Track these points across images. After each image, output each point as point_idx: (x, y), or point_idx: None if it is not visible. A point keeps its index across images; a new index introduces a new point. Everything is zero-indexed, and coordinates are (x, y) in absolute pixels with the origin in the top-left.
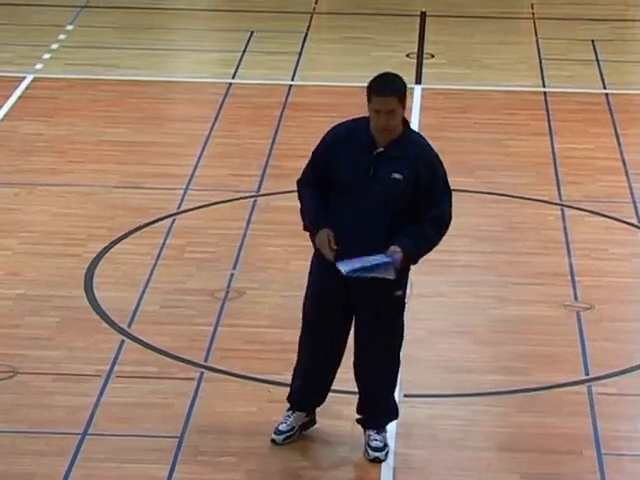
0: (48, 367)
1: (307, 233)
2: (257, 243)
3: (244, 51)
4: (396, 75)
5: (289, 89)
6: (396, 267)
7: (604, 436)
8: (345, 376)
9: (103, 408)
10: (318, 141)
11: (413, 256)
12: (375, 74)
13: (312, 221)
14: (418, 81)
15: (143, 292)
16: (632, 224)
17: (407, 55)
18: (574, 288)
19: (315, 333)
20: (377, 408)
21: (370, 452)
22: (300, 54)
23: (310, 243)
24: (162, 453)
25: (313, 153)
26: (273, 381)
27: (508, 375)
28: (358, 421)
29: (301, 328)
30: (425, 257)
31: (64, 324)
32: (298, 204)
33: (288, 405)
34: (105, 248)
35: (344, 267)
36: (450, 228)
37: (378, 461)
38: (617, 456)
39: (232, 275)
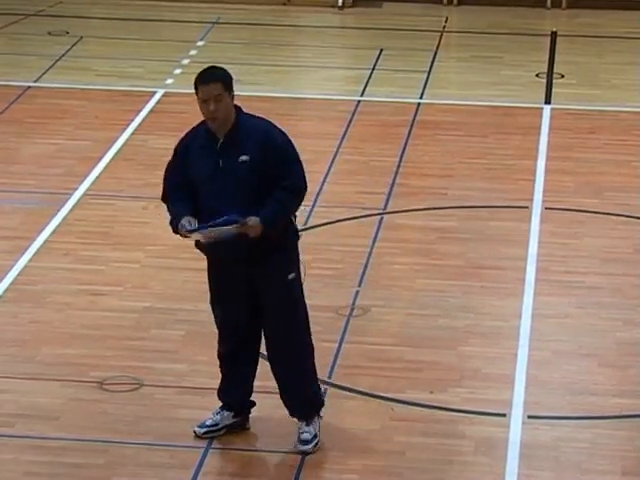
0: (173, 380)
1: (431, 252)
2: (382, 261)
3: (373, 68)
4: (219, 67)
5: (417, 107)
6: (241, 221)
7: None
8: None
9: None
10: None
11: (268, 220)
12: (504, 93)
13: (175, 216)
14: (547, 101)
15: None
16: None
17: (537, 75)
18: None
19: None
20: (298, 399)
21: (298, 445)
22: (429, 72)
23: (435, 262)
24: (284, 468)
25: (167, 169)
26: (396, 399)
27: (634, 399)
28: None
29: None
30: (551, 278)
31: (189, 337)
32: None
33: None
34: None
35: (191, 227)
36: (577, 249)
37: (304, 454)
38: None
39: (357, 292)
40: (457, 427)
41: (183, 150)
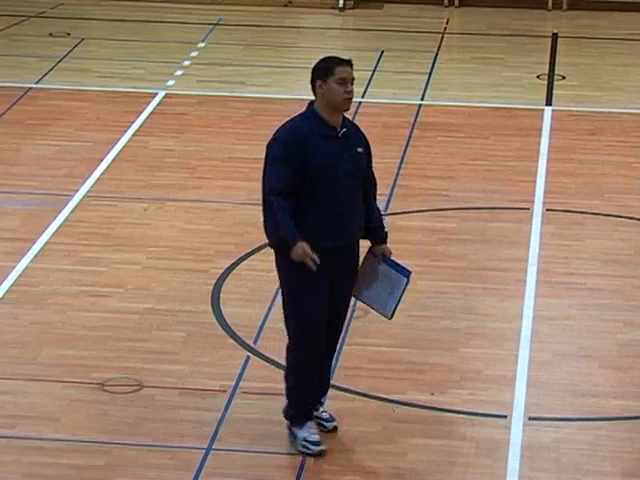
0: (174, 381)
1: (432, 253)
2: None
3: (374, 70)
4: None
5: (418, 109)
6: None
7: None
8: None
9: (228, 424)
10: (275, 150)
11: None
12: (505, 94)
13: (293, 234)
14: (549, 102)
15: (270, 309)
16: None
17: (538, 76)
18: None
19: (317, 334)
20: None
21: (330, 423)
22: (430, 74)
23: (436, 263)
24: (286, 470)
25: (280, 160)
26: (397, 400)
27: (635, 400)
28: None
29: (295, 345)
30: (552, 279)
31: (190, 339)
32: (262, 216)
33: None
34: (232, 264)
35: (388, 311)
36: (578, 251)
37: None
38: None
39: None
40: (458, 428)
41: (300, 140)
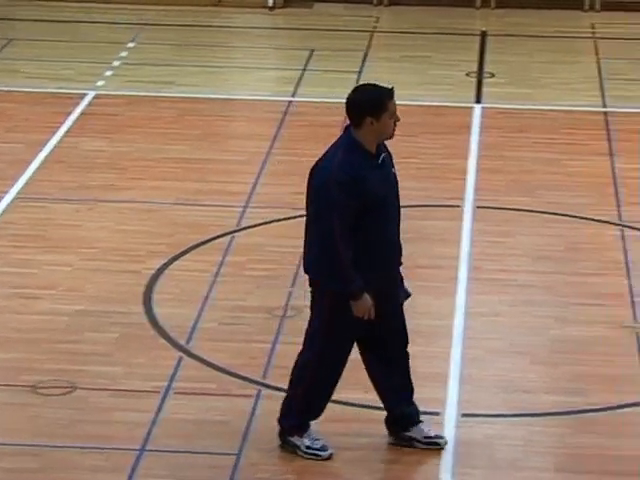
0: (107, 383)
1: None
2: None
3: (304, 69)
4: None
5: None
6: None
7: None
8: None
9: (161, 424)
10: (333, 193)
11: None
12: (435, 92)
13: (360, 288)
14: (478, 100)
15: (202, 309)
16: None
17: (467, 74)
18: (634, 309)
19: (343, 358)
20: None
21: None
22: (360, 72)
23: None
24: (220, 470)
25: (340, 203)
26: (331, 399)
27: (567, 396)
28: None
29: (314, 362)
30: (483, 276)
31: (123, 340)
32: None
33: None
34: (164, 265)
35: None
36: (509, 248)
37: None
38: None
39: (291, 292)
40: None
41: (356, 178)
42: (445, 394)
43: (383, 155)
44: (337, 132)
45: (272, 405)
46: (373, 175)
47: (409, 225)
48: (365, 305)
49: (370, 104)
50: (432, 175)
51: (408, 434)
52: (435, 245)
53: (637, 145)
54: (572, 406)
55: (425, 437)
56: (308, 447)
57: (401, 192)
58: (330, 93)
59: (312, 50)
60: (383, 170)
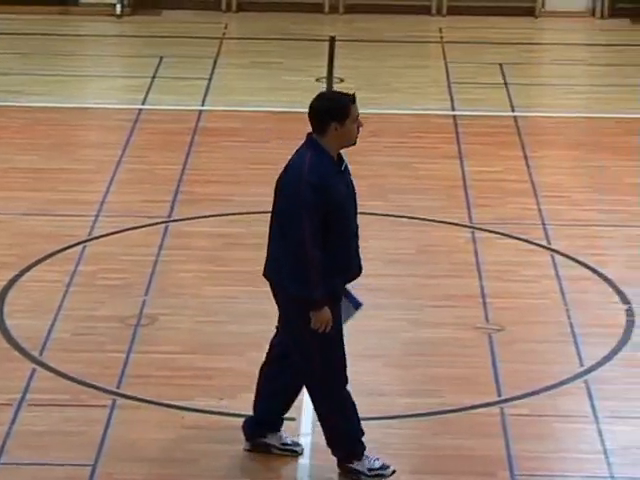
0: None
1: (217, 258)
2: (169, 269)
3: (154, 77)
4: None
5: (199, 114)
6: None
7: (517, 456)
8: None
9: (15, 437)
10: (307, 195)
11: None
12: (285, 98)
13: (322, 294)
14: None
15: (54, 320)
16: (542, 246)
17: (317, 79)
18: (485, 310)
19: (344, 364)
20: None
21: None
22: (210, 79)
23: (222, 268)
24: None
25: (313, 206)
26: (186, 407)
27: (420, 398)
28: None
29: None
30: None
31: None
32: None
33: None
34: (16, 276)
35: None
36: (362, 252)
37: None
38: (530, 477)
39: (144, 301)
40: None
41: (324, 183)
42: (301, 399)
43: (345, 163)
44: (187, 139)
45: (127, 414)
46: (338, 181)
47: (262, 231)
48: (325, 316)
49: (334, 110)
50: None
51: (265, 440)
52: None
53: (485, 147)
54: (426, 408)
55: (282, 444)
56: (370, 470)
57: (254, 198)
58: (180, 100)
59: (161, 57)
60: (345, 178)
